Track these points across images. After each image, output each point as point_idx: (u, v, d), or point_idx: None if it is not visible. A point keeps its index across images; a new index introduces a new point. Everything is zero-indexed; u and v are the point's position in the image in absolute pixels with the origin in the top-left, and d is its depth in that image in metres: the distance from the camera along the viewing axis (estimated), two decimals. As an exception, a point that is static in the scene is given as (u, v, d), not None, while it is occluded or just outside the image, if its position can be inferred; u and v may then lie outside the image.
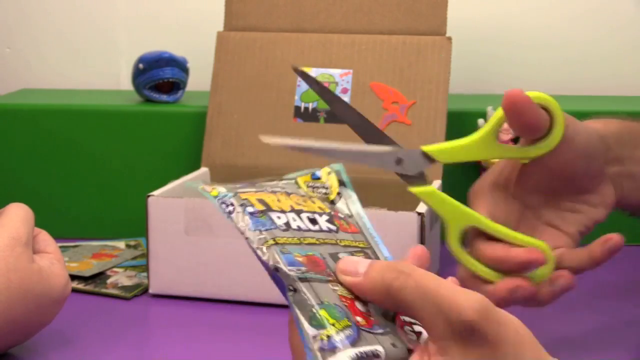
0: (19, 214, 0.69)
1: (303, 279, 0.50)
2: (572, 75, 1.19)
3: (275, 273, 0.51)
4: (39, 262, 0.68)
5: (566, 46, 1.19)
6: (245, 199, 0.55)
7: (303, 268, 0.51)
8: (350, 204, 0.60)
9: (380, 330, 0.50)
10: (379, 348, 0.48)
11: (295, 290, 0.50)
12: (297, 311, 0.49)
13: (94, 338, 0.74)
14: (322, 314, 0.49)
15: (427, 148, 0.63)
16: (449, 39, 0.95)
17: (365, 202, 0.64)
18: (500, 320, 0.46)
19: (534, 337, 0.48)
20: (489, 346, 0.46)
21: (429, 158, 0.63)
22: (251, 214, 0.53)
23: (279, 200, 0.57)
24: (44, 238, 0.72)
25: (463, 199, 0.67)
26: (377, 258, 0.56)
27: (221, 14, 1.02)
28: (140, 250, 0.98)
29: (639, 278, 0.88)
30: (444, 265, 0.93)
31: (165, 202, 0.83)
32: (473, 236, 0.64)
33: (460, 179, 1.00)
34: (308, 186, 0.59)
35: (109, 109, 1.05)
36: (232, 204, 0.54)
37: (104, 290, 0.86)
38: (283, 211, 0.56)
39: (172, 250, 0.83)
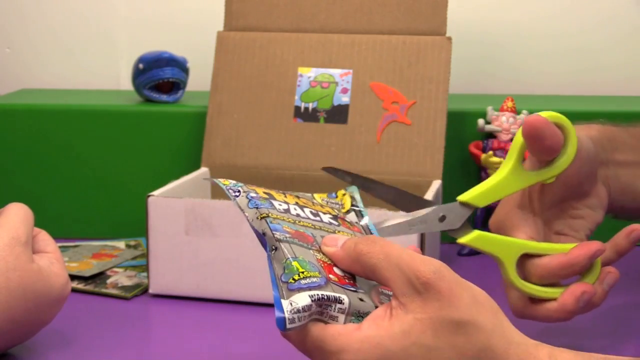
0: (18, 213, 0.69)
1: (284, 241, 0.54)
2: (572, 74, 1.19)
3: (262, 237, 0.55)
4: (38, 262, 0.68)
5: (567, 45, 1.19)
6: (252, 189, 0.59)
7: (288, 235, 0.55)
8: (361, 220, 0.63)
9: (352, 289, 0.54)
10: (344, 296, 0.52)
11: (276, 249, 0.54)
12: (274, 264, 0.53)
13: (94, 338, 0.74)
14: (294, 264, 0.53)
15: (463, 198, 0.65)
16: (449, 39, 0.95)
17: (365, 202, 0.64)
18: (455, 280, 0.52)
19: (497, 307, 0.53)
20: (443, 301, 0.51)
21: (467, 206, 0.65)
22: (252, 197, 0.58)
23: (285, 196, 0.59)
24: (44, 238, 0.72)
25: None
26: None
27: (221, 14, 1.01)
28: (140, 250, 0.98)
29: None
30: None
31: (165, 202, 0.82)
32: (524, 262, 0.66)
33: (460, 178, 1.01)
34: (323, 200, 0.63)
35: (108, 109, 1.05)
36: (239, 191, 0.58)
37: (104, 290, 0.85)
38: (286, 203, 0.58)
39: (172, 250, 0.83)
